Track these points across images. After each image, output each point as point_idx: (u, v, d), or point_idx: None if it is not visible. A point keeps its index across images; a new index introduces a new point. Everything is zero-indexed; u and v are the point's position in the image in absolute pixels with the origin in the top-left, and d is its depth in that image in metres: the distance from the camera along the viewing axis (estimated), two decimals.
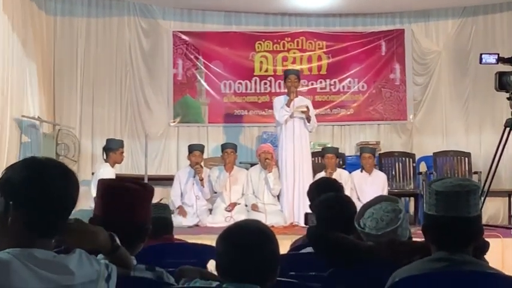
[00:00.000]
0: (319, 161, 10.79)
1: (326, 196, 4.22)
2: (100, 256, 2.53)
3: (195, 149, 10.35)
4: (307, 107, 9.97)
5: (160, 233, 4.58)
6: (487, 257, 3.18)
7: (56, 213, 2.37)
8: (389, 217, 3.67)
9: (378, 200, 3.80)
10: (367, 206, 3.77)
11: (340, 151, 11.21)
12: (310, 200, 4.95)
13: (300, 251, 4.27)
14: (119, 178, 3.24)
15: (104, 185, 3.12)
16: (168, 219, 4.86)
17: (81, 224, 2.60)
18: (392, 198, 3.81)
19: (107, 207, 3.00)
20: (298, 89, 10.22)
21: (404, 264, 3.08)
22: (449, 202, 2.93)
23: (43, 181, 2.34)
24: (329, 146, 11.26)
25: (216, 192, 10.39)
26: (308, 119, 9.94)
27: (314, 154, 10.72)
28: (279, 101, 10.18)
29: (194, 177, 10.20)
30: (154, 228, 4.61)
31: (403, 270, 3.03)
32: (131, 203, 3.01)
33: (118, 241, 2.67)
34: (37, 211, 2.32)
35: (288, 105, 9.88)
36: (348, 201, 4.27)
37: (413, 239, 3.79)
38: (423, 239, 3.15)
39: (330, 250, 3.73)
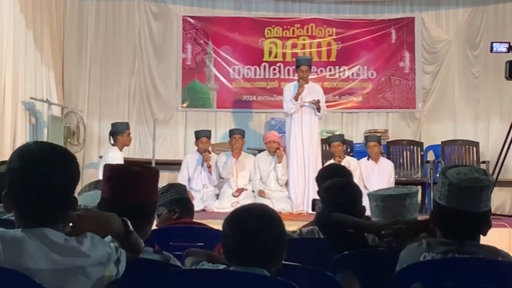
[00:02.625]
0: (327, 148, 10.79)
1: (333, 181, 4.21)
2: (108, 238, 2.53)
3: (202, 135, 10.38)
4: (318, 100, 9.91)
5: (183, 215, 4.61)
6: (495, 246, 3.17)
7: (53, 201, 2.38)
8: (399, 189, 3.70)
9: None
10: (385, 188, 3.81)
11: (348, 138, 11.20)
12: (318, 185, 4.94)
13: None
14: (127, 162, 3.25)
15: (110, 168, 3.13)
16: (189, 201, 4.87)
17: (91, 212, 2.62)
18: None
19: (114, 190, 3.01)
20: (307, 80, 10.14)
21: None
22: (461, 196, 2.91)
23: (36, 170, 2.36)
24: (335, 133, 11.25)
25: (223, 178, 10.42)
26: (318, 109, 9.91)
27: (323, 141, 10.70)
28: (288, 90, 10.10)
29: (202, 165, 10.23)
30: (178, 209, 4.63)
31: (408, 251, 3.03)
32: (137, 185, 3.01)
33: (131, 226, 2.67)
34: (32, 200, 2.35)
35: (296, 98, 9.84)
36: (355, 187, 4.26)
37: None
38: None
39: (335, 230, 3.74)
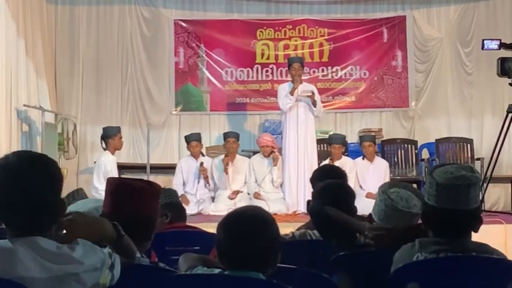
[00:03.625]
0: (324, 148, 10.79)
1: (326, 183, 4.22)
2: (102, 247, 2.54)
3: (192, 139, 10.40)
4: (312, 92, 9.96)
5: (175, 219, 4.62)
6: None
7: (39, 209, 2.38)
8: (413, 202, 3.68)
9: (406, 186, 3.79)
10: (394, 184, 3.76)
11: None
12: (313, 186, 4.95)
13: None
14: (123, 169, 3.27)
15: (113, 184, 3.14)
16: (181, 205, 4.89)
17: (83, 216, 2.62)
18: (418, 194, 3.79)
19: (116, 205, 3.02)
20: (301, 77, 10.20)
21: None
22: (450, 195, 2.93)
23: (17, 181, 2.36)
24: (334, 133, 11.26)
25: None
26: (314, 103, 9.94)
27: (318, 141, 10.69)
28: (283, 89, 10.18)
29: (199, 177, 10.25)
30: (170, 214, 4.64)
31: (401, 252, 3.04)
32: (138, 200, 3.04)
33: (122, 230, 2.67)
34: (18, 211, 2.35)
35: (291, 93, 9.88)
36: (346, 187, 4.28)
37: None
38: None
39: (326, 223, 3.76)
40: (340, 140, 10.56)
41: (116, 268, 2.52)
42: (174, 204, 4.72)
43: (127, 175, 10.83)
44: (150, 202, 3.11)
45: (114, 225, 2.66)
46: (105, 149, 9.86)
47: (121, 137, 10.02)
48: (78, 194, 4.15)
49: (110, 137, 9.86)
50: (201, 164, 10.21)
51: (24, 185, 2.37)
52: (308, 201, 4.67)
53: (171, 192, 4.90)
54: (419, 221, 3.25)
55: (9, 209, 2.37)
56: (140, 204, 3.03)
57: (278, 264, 2.74)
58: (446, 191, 2.93)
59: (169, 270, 3.03)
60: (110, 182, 3.16)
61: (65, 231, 2.47)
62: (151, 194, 3.12)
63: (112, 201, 3.05)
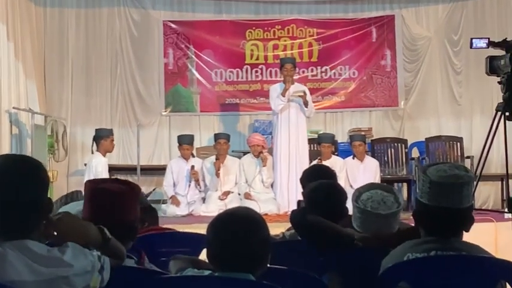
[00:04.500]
0: (315, 148, 10.79)
1: (317, 183, 4.23)
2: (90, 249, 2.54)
3: (183, 143, 10.40)
4: (304, 92, 9.98)
5: (151, 223, 4.60)
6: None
7: (26, 211, 2.38)
8: (390, 200, 3.70)
9: (373, 186, 3.82)
10: (362, 189, 3.79)
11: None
12: (302, 187, 4.95)
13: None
14: (108, 178, 3.24)
15: (90, 189, 3.12)
16: (154, 209, 4.86)
17: (71, 217, 2.62)
18: (388, 188, 3.83)
19: (94, 210, 3.01)
20: (293, 78, 10.21)
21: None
22: (443, 193, 2.93)
23: (2, 184, 2.36)
24: (323, 133, 11.27)
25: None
26: (305, 103, 9.95)
27: (311, 141, 10.70)
28: (274, 90, 10.20)
29: (190, 181, 10.25)
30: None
31: (391, 255, 3.05)
32: (118, 205, 3.02)
33: (108, 233, 2.68)
34: (5, 213, 2.36)
35: (283, 94, 9.90)
36: (338, 188, 4.29)
37: (406, 225, 3.81)
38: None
39: (308, 232, 3.78)
40: (329, 139, 10.58)
41: (106, 271, 2.53)
42: (147, 209, 4.68)
43: (117, 176, 10.80)
44: (130, 205, 3.10)
45: (99, 229, 2.66)
46: (95, 151, 9.86)
47: (113, 140, 10.04)
48: (78, 197, 4.13)
49: (103, 138, 9.88)
50: (192, 167, 10.20)
51: (12, 186, 2.37)
52: (298, 202, 4.68)
53: (142, 197, 4.88)
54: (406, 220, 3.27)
55: None
56: (120, 209, 3.02)
57: (268, 265, 2.74)
58: (439, 189, 2.93)
59: (159, 272, 3.03)
60: (88, 187, 3.13)
61: (55, 233, 2.48)
62: (130, 197, 3.10)
63: (91, 208, 3.04)
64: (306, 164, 9.77)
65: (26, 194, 2.39)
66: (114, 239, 2.71)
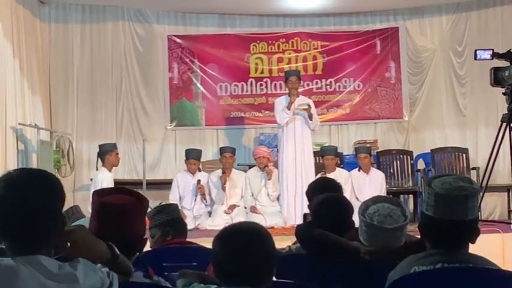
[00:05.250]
0: (319, 161, 10.79)
1: (323, 196, 4.23)
2: (98, 265, 2.54)
3: (190, 157, 10.44)
4: (309, 105, 9.98)
5: (176, 235, 4.61)
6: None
7: (40, 226, 2.38)
8: (397, 214, 3.69)
9: (380, 200, 3.82)
10: (369, 202, 3.79)
11: (337, 150, 11.22)
12: (308, 200, 4.96)
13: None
14: (116, 188, 3.24)
15: (97, 202, 3.12)
16: (182, 221, 4.87)
17: (84, 230, 2.63)
18: (395, 201, 3.82)
19: (102, 223, 3.01)
20: (298, 90, 10.23)
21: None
22: (448, 205, 2.93)
23: (19, 197, 2.36)
24: (327, 145, 11.29)
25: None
26: (310, 116, 9.96)
27: (314, 154, 10.69)
28: (279, 103, 10.21)
29: (197, 195, 10.26)
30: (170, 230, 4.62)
31: (398, 268, 3.04)
32: (126, 218, 3.03)
33: (117, 250, 2.68)
34: (19, 227, 2.35)
35: (288, 107, 9.91)
36: (345, 201, 4.29)
37: (413, 237, 3.81)
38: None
39: (314, 246, 3.78)
40: (332, 151, 10.59)
41: (114, 286, 2.53)
42: (175, 221, 4.71)
43: None
44: (137, 219, 3.11)
45: (108, 246, 2.66)
46: (100, 167, 9.88)
47: (117, 153, 10.06)
48: (78, 212, 4.14)
49: (107, 153, 9.91)
50: (198, 181, 10.22)
51: (27, 199, 2.37)
52: (305, 214, 4.68)
53: (172, 208, 4.89)
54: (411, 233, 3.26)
55: (11, 224, 2.36)
56: (128, 223, 3.03)
57: (274, 279, 2.74)
58: (444, 201, 2.93)
59: (165, 287, 3.03)
60: (95, 200, 3.13)
61: (68, 244, 2.48)
62: (138, 211, 3.12)
63: (99, 221, 3.05)
64: (312, 177, 9.76)
65: (40, 208, 2.39)
66: (122, 256, 2.71)
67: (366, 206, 3.76)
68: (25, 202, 2.36)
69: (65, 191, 2.54)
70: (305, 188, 5.55)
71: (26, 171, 2.52)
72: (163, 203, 10.48)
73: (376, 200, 3.82)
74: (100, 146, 10.17)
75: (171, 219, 4.67)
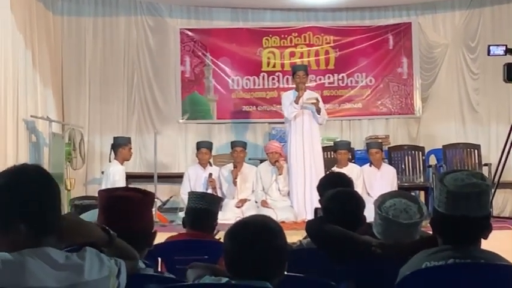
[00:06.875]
0: (330, 156, 10.78)
1: (334, 191, 4.22)
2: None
3: (202, 146, 10.48)
4: (317, 99, 9.97)
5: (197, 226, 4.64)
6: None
7: (41, 219, 2.38)
8: (413, 210, 3.68)
9: (398, 194, 3.81)
10: (387, 196, 3.77)
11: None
12: (319, 194, 4.95)
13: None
14: (121, 187, 3.27)
15: (104, 197, 3.15)
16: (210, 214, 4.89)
17: (73, 216, 2.63)
18: (413, 198, 3.80)
19: (109, 218, 3.02)
20: (306, 85, 10.23)
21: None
22: (460, 202, 2.91)
23: (19, 186, 2.36)
24: (340, 140, 11.29)
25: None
26: (318, 110, 9.94)
27: (324, 149, 10.68)
28: (287, 97, 10.19)
29: (207, 189, 10.26)
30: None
31: (409, 263, 3.03)
32: (133, 211, 3.06)
33: (112, 232, 2.68)
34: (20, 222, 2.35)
35: (296, 101, 9.89)
36: (356, 196, 4.28)
37: (426, 233, 3.79)
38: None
39: (325, 242, 3.77)
40: (345, 145, 10.60)
41: (122, 275, 2.52)
42: (198, 211, 4.74)
43: (134, 185, 10.82)
44: (144, 211, 3.14)
45: (103, 228, 2.67)
46: (112, 160, 9.92)
47: (131, 148, 10.13)
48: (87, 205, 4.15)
49: (121, 146, 9.98)
50: (210, 175, 10.22)
51: (35, 189, 2.37)
52: (316, 209, 4.67)
53: (211, 199, 4.94)
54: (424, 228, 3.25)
55: (21, 214, 2.36)
56: (135, 216, 3.06)
57: (285, 273, 2.74)
58: (456, 198, 2.91)
59: (176, 280, 3.03)
60: (102, 196, 3.17)
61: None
62: (144, 203, 3.14)
63: (106, 216, 3.06)
64: (321, 171, 9.76)
65: (46, 198, 2.39)
66: (119, 239, 2.72)
67: (383, 199, 3.75)
68: (26, 198, 2.35)
69: (58, 185, 2.53)
70: (314, 182, 5.55)
71: (26, 167, 2.52)
72: (173, 197, 10.56)
73: (394, 194, 3.81)
74: (115, 138, 10.24)
75: (194, 208, 4.72)
